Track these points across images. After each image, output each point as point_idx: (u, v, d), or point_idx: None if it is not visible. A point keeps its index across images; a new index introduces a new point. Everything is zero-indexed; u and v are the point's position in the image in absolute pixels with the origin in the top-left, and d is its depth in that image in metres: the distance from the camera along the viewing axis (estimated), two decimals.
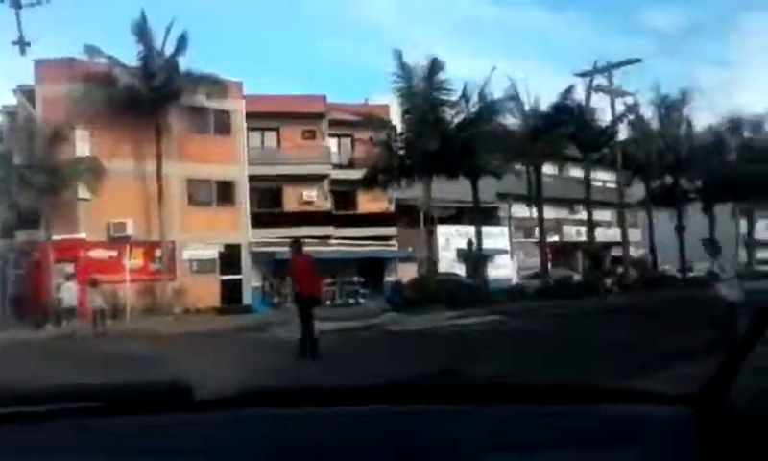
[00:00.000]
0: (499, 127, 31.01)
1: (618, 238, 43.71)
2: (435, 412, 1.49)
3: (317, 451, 1.36)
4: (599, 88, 34.11)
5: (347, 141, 41.33)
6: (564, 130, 31.58)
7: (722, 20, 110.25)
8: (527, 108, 33.53)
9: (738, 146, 44.29)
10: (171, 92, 31.81)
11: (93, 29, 73.36)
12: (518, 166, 33.62)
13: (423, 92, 29.95)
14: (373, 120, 32.30)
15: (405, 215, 40.92)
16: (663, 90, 40.79)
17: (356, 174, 34.85)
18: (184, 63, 32.26)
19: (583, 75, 34.49)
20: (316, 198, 39.04)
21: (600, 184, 61.43)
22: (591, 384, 1.64)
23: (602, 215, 61.05)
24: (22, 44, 24.81)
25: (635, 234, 61.28)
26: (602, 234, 55.46)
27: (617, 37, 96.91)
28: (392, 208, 41.04)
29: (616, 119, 34.91)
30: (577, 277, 41.10)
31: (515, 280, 44.17)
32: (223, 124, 35.67)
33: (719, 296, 11.94)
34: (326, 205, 39.58)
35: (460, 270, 38.79)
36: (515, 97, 32.46)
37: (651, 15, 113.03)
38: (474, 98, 30.68)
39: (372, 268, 39.04)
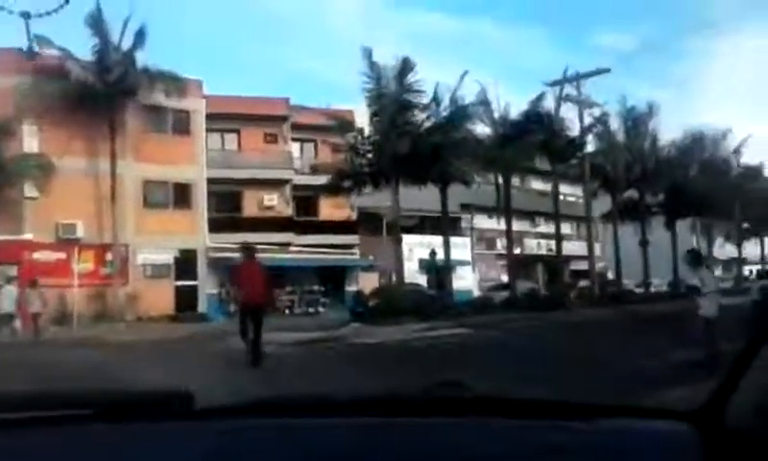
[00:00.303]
0: (469, 133, 30.13)
1: (578, 252, 43.48)
2: (436, 425, 1.50)
3: None
4: (568, 98, 33.61)
5: (310, 146, 40.29)
6: (534, 139, 30.86)
7: (683, 39, 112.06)
8: (497, 115, 32.82)
9: (699, 162, 44.36)
10: (127, 88, 30.45)
11: (44, 19, 70.74)
12: (488, 175, 32.86)
13: (393, 94, 28.92)
14: (339, 123, 31.05)
15: (368, 223, 40.09)
16: (630, 103, 40.49)
17: (319, 180, 33.66)
18: (142, 59, 30.95)
19: (552, 84, 33.99)
20: (277, 203, 37.86)
21: (562, 198, 62.10)
22: (591, 400, 1.68)
23: (563, 228, 61.78)
24: None
25: (595, 248, 62.39)
26: (563, 248, 55.94)
27: (586, 53, 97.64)
28: (354, 216, 40.11)
29: (585, 130, 34.39)
30: (543, 290, 40.67)
31: (476, 292, 43.61)
32: (181, 124, 34.29)
33: (695, 311, 11.52)
34: (287, 210, 38.43)
35: (422, 281, 38.01)
36: (485, 102, 31.55)
37: (618, 34, 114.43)
38: (445, 102, 29.82)
39: (334, 277, 38.05)
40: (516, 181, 40.88)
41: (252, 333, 12.76)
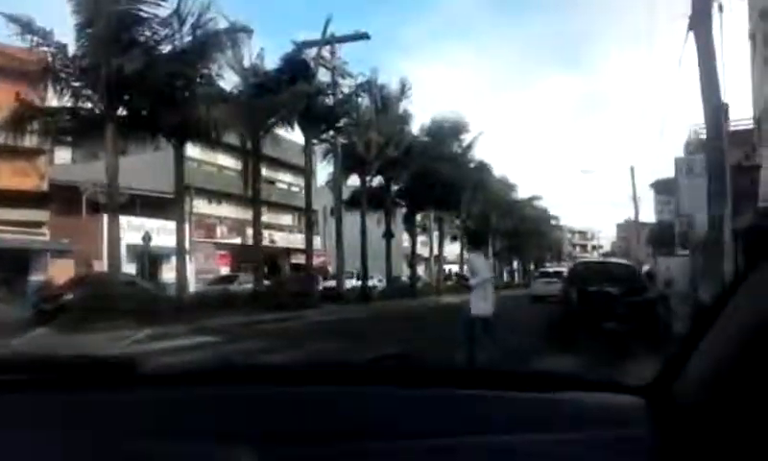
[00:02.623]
0: (215, 73, 22.92)
1: (300, 244, 39.06)
2: (382, 394, 1.50)
3: (261, 430, 1.34)
4: (322, 61, 28.47)
5: None
6: (292, 95, 24.75)
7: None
8: (247, 62, 26.10)
9: (440, 154, 41.77)
10: None
11: None
12: (234, 135, 26.32)
13: None
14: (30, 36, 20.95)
15: (62, 197, 31.78)
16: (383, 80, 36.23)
17: None
18: None
19: (303, 45, 28.45)
20: None
21: (285, 186, 57.33)
22: (545, 372, 1.76)
23: (285, 220, 57.17)
24: None
25: (316, 241, 58.79)
26: (284, 240, 51.22)
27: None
28: (45, 187, 31.39)
29: (340, 102, 29.46)
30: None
31: (193, 286, 37.14)
32: None
33: (470, 310, 10.30)
34: None
35: (131, 270, 30.62)
36: (239, 29, 22.82)
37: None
38: (189, 24, 21.52)
39: (13, 262, 29.13)
40: (237, 163, 34.69)
41: None
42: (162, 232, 31.63)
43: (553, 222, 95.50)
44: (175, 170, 22.87)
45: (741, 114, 35.15)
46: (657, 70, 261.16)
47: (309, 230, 28.76)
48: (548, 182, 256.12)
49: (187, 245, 41.74)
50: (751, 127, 43.04)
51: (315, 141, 30.79)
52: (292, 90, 24.20)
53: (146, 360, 1.59)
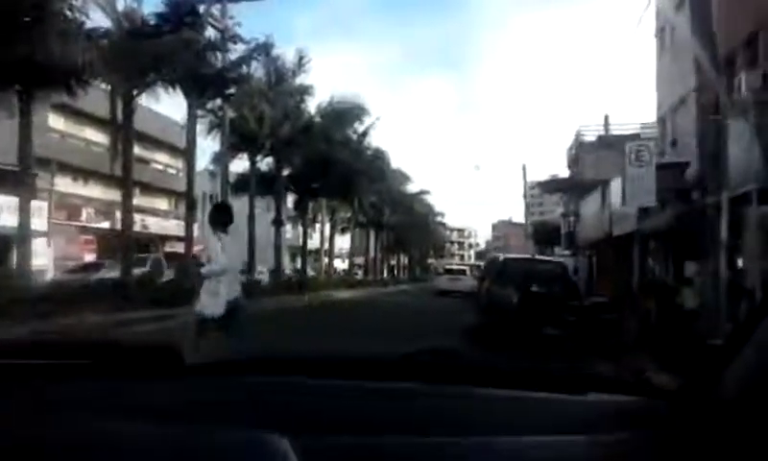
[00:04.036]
0: (80, 14, 18.28)
1: (176, 231, 34.88)
2: (421, 391, 1.52)
3: (302, 420, 1.36)
4: (211, 20, 24.34)
5: None
6: (172, 47, 20.33)
7: None
8: (122, 4, 21.45)
9: (335, 138, 38.27)
10: None
11: None
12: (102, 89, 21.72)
13: None
14: None
15: None
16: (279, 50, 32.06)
17: None
18: None
19: None
20: None
21: (161, 168, 52.53)
22: (576, 372, 1.76)
23: (160, 204, 52.48)
24: None
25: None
26: (158, 226, 46.72)
27: None
28: None
29: (232, 66, 25.39)
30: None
31: (51, 274, 32.26)
32: None
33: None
34: None
35: None
36: None
37: None
38: None
39: None
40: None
41: None
42: (13, 211, 26.77)
43: (438, 218, 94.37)
44: (19, 132, 18.08)
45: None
46: (545, 74, 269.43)
47: (191, 210, 24.73)
48: (429, 179, 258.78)
49: (45, 227, 36.91)
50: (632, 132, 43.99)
51: (200, 113, 26.78)
52: (176, 38, 20.05)
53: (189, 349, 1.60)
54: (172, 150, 48.56)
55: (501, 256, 22.19)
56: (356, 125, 40.16)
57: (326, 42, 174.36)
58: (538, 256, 25.28)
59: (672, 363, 8.04)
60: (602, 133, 42.05)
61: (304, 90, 32.66)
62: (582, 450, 1.33)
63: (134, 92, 20.33)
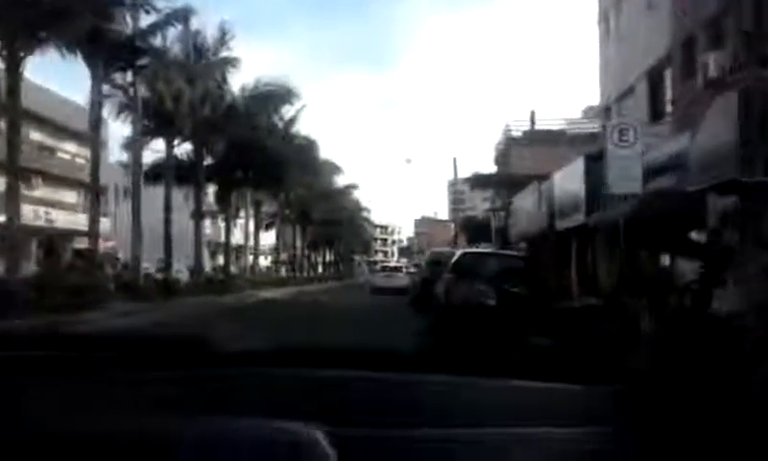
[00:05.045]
0: None
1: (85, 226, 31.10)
2: (452, 383, 1.52)
3: (334, 411, 1.34)
4: None
5: None
6: (66, 8, 16.66)
7: None
8: None
9: (261, 123, 34.89)
10: None
11: None
12: None
13: None
14: None
15: None
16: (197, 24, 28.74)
17: None
18: None
19: None
20: None
21: (67, 156, 48.27)
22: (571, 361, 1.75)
23: (68, 197, 48.46)
24: None
25: (105, 224, 50.73)
26: (67, 221, 42.70)
27: None
28: None
29: (144, 33, 21.81)
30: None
31: None
32: None
33: None
34: None
35: None
36: None
37: None
38: None
39: None
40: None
41: None
42: None
43: (365, 214, 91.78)
44: None
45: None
46: (473, 71, 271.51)
47: (96, 202, 21.33)
48: (353, 175, 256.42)
49: None
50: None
51: (109, 90, 23.25)
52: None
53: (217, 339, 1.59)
54: (81, 138, 44.65)
55: (456, 250, 19.82)
56: (284, 110, 36.91)
57: (250, 34, 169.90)
58: (497, 250, 22.78)
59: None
60: (528, 128, 42.61)
61: (229, 63, 28.92)
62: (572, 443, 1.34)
63: (21, 54, 16.77)
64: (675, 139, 16.30)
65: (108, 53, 19.73)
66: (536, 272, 16.79)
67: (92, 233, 21.59)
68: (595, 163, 23.63)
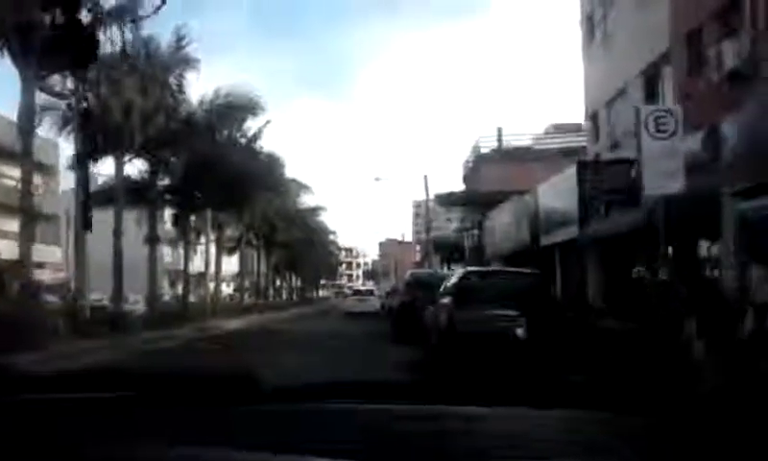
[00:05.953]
0: None
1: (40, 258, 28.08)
2: (495, 415, 1.50)
3: (382, 447, 1.33)
4: None
5: None
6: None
7: None
8: None
9: (223, 139, 32.02)
10: None
11: None
12: None
13: None
14: None
15: None
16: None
17: None
18: None
19: None
20: None
21: (13, 183, 45.10)
22: (581, 389, 1.75)
23: (8, 226, 45.33)
24: None
25: (56, 253, 47.49)
26: (12, 252, 39.40)
27: None
28: None
29: (87, 32, 18.97)
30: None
31: None
32: None
33: None
34: None
35: None
36: None
37: None
38: None
39: None
40: None
41: None
42: None
43: (331, 237, 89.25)
44: None
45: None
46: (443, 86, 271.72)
47: (29, 227, 18.50)
48: (319, 198, 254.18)
49: None
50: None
51: (48, 100, 20.41)
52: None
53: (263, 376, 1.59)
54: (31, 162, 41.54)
55: (437, 271, 17.51)
56: (248, 124, 34.02)
57: (206, 57, 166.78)
58: (507, 268, 20.34)
59: None
60: (495, 146, 42.57)
61: (187, 63, 25.80)
62: None
63: None
64: (687, 138, 14.17)
65: (46, 50, 16.91)
66: (550, 292, 14.33)
67: (25, 263, 18.71)
68: (586, 170, 22.09)
